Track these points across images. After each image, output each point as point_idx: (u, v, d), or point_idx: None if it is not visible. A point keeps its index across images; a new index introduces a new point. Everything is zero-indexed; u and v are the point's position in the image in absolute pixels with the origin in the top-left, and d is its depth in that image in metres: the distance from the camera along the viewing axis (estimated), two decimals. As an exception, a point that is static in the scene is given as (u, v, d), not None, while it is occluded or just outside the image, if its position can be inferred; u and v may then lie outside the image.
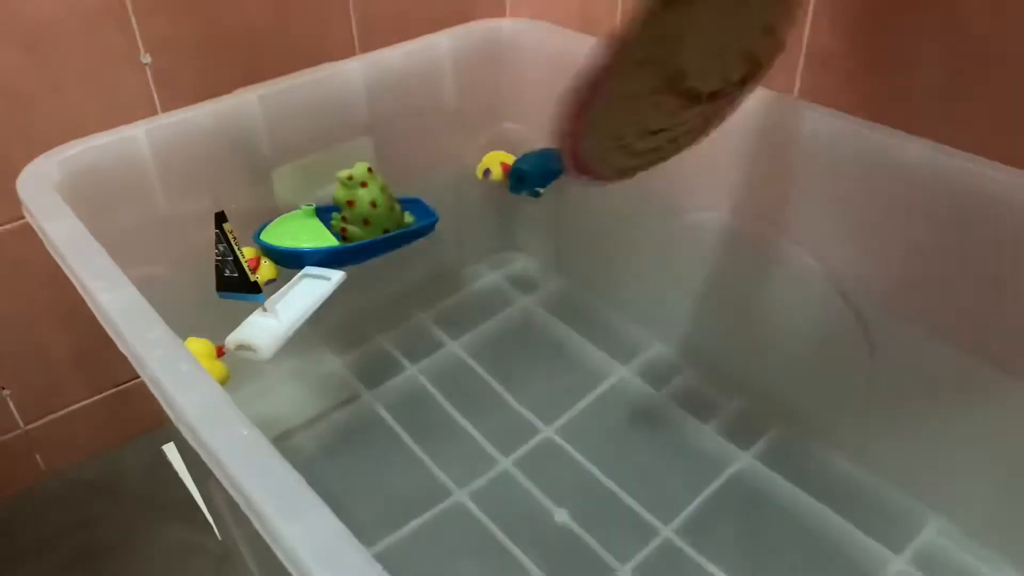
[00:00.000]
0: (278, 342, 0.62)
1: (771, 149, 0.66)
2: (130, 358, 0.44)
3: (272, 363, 0.63)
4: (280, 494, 0.34)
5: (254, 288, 0.62)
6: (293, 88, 0.72)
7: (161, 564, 0.77)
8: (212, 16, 0.75)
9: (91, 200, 0.61)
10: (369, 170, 0.72)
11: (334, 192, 0.73)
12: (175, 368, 0.41)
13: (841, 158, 0.62)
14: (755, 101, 0.66)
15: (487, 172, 0.85)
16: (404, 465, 0.74)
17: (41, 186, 0.58)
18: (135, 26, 0.71)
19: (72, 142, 0.62)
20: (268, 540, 0.33)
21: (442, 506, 0.70)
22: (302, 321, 0.64)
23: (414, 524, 0.68)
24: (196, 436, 0.38)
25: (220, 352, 0.60)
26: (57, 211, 0.55)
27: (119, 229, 0.64)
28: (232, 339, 0.62)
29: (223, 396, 0.40)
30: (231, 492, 0.36)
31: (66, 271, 0.51)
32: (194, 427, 0.38)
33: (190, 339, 0.59)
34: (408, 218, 0.78)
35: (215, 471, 0.37)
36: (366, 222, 0.73)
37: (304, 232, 0.73)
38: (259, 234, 0.72)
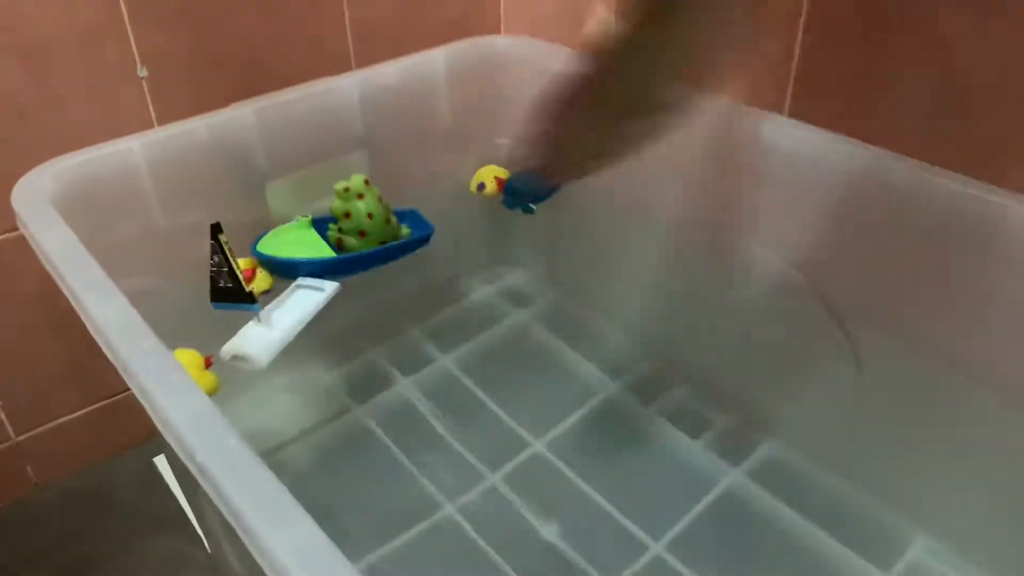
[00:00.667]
0: (272, 352, 0.62)
1: (762, 167, 0.66)
2: (120, 369, 0.44)
3: (264, 375, 0.64)
4: (265, 505, 0.34)
5: (249, 298, 0.62)
6: (289, 103, 0.73)
7: (150, 576, 0.77)
8: (209, 31, 0.76)
9: (86, 212, 0.61)
10: (366, 182, 0.73)
11: (330, 203, 0.73)
12: (164, 379, 0.42)
13: (830, 176, 0.62)
14: (747, 120, 0.67)
15: (481, 186, 0.86)
16: (393, 479, 0.74)
17: (36, 198, 0.58)
18: (132, 40, 0.72)
19: (67, 154, 0.63)
20: (253, 552, 0.34)
21: (430, 520, 0.70)
22: (296, 331, 0.65)
23: (402, 538, 0.68)
24: (183, 447, 0.38)
25: (208, 362, 0.61)
26: (51, 223, 0.55)
27: (114, 241, 0.65)
28: (227, 349, 0.62)
29: (211, 408, 0.40)
30: (217, 503, 0.36)
31: (58, 282, 0.51)
32: (181, 438, 0.38)
33: (178, 350, 0.59)
34: (404, 230, 0.78)
35: (201, 482, 0.37)
36: (362, 233, 0.73)
37: (300, 243, 0.74)
38: (256, 244, 0.73)
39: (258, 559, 0.33)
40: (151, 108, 0.76)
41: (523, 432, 0.78)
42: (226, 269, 0.61)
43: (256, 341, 0.63)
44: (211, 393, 0.59)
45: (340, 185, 0.72)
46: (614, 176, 0.81)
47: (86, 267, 0.51)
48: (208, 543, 0.78)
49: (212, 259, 0.62)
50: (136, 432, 0.89)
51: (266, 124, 0.71)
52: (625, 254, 0.84)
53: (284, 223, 0.75)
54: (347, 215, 0.73)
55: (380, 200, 0.74)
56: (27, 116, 0.70)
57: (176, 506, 0.83)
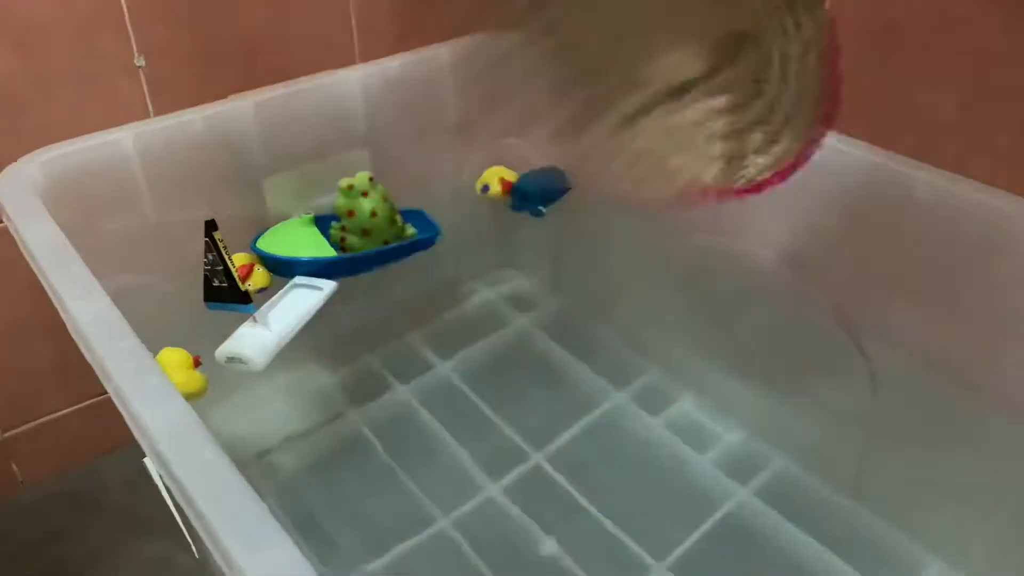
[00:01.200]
0: (270, 352, 0.60)
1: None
2: (97, 371, 0.42)
3: (256, 377, 0.61)
4: (241, 523, 0.32)
5: (244, 298, 0.60)
6: (290, 96, 0.71)
7: (135, 581, 0.75)
8: (210, 22, 0.74)
9: (75, 205, 0.59)
10: (371, 180, 0.71)
11: (335, 201, 0.71)
12: (142, 383, 0.40)
13: (849, 185, 0.60)
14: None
15: (486, 188, 0.83)
16: (388, 488, 0.72)
17: (21, 189, 0.56)
18: (130, 30, 0.70)
19: (56, 144, 0.60)
20: (226, 571, 0.31)
21: (425, 533, 0.67)
22: (294, 332, 0.63)
23: (395, 551, 0.66)
24: (159, 455, 0.36)
25: (197, 362, 0.58)
26: (35, 215, 0.53)
27: (104, 236, 0.62)
28: (222, 351, 0.60)
29: (190, 415, 0.38)
30: (191, 519, 0.34)
31: (40, 278, 0.49)
32: (157, 446, 0.36)
33: (166, 349, 0.57)
34: (409, 230, 0.76)
35: (176, 493, 0.35)
36: (365, 232, 0.71)
37: (301, 241, 0.72)
38: (255, 241, 0.71)
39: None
40: (148, 99, 0.73)
41: (523, 443, 0.76)
42: (221, 268, 0.59)
43: (253, 342, 0.60)
44: (199, 393, 0.56)
45: (345, 182, 0.71)
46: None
47: (68, 263, 0.48)
48: (195, 547, 0.76)
49: (206, 257, 0.59)
50: (125, 432, 0.86)
51: (265, 118, 0.69)
52: (632, 260, 0.82)
53: (282, 220, 0.73)
54: (351, 213, 0.71)
55: (386, 199, 0.72)
56: (19, 104, 0.68)
57: (164, 509, 0.80)
